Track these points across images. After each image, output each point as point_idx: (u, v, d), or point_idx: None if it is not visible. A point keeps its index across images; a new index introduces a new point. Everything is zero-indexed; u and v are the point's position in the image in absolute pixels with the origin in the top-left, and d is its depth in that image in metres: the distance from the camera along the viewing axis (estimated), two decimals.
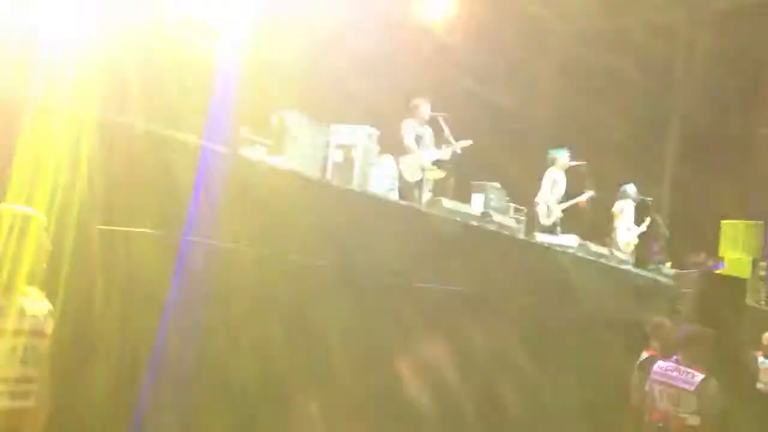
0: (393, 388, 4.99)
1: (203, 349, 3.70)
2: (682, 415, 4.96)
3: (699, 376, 4.95)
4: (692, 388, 4.91)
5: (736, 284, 9.12)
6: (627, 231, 11.80)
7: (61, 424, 3.00)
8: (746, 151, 15.52)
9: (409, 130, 8.45)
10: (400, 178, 8.65)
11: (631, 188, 11.83)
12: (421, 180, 8.64)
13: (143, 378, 3.55)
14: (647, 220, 12.01)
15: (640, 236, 12.16)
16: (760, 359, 7.45)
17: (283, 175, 5.20)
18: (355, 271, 4.96)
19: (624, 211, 11.79)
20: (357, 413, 4.82)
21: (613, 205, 11.94)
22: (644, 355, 6.14)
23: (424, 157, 8.62)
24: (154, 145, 4.12)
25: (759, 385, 7.44)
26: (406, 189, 8.54)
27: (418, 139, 8.57)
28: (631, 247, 11.40)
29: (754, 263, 13.07)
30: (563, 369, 6.43)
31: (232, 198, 4.47)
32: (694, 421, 4.91)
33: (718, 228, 14.68)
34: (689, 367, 5.04)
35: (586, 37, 16.14)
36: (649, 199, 11.90)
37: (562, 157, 10.59)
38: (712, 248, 14.76)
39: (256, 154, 7.81)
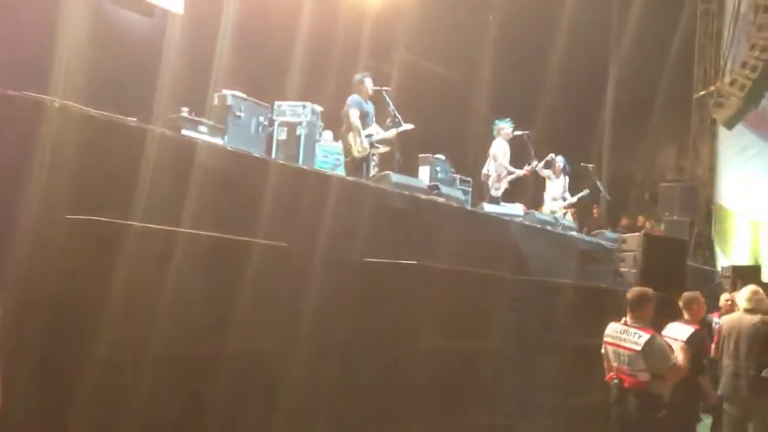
0: (352, 365, 4.97)
1: (158, 335, 3.61)
2: (634, 373, 5.13)
3: (645, 336, 5.10)
4: (639, 348, 5.08)
5: (677, 246, 9.37)
6: (553, 201, 11.95)
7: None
8: (681, 116, 15.95)
9: (354, 106, 8.35)
10: (347, 153, 8.56)
11: (560, 159, 11.92)
12: (368, 155, 8.56)
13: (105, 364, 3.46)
14: (584, 191, 12.14)
15: (577, 204, 12.30)
16: (715, 320, 7.68)
17: (227, 155, 5.07)
18: (306, 250, 4.90)
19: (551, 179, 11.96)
20: (316, 396, 4.80)
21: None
22: None
23: (370, 132, 8.55)
24: (90, 128, 3.96)
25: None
26: (352, 165, 8.46)
27: (364, 114, 8.48)
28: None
29: (692, 224, 13.49)
30: (516, 338, 6.53)
31: (175, 181, 4.34)
32: (644, 377, 5.09)
33: (657, 191, 15.11)
34: (636, 327, 5.20)
35: (524, 7, 16.24)
36: (590, 165, 12.10)
37: (506, 128, 10.64)
38: (652, 211, 15.21)
39: (198, 134, 7.67)
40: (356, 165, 8.47)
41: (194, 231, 3.91)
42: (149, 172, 4.09)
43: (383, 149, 9.93)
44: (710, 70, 15.29)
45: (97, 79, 7.21)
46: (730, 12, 14.97)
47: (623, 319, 5.37)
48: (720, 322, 6.86)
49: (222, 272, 3.91)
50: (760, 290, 6.05)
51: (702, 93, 15.19)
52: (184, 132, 7.51)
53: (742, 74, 14.01)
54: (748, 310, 5.89)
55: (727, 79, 14.35)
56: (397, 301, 5.09)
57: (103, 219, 3.51)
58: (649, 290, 5.53)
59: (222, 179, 4.61)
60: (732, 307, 6.99)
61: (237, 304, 3.89)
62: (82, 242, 3.51)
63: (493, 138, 10.86)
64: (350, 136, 8.39)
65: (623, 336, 5.24)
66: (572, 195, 12.07)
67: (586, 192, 12.12)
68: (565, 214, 11.69)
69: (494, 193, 10.59)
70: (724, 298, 7.95)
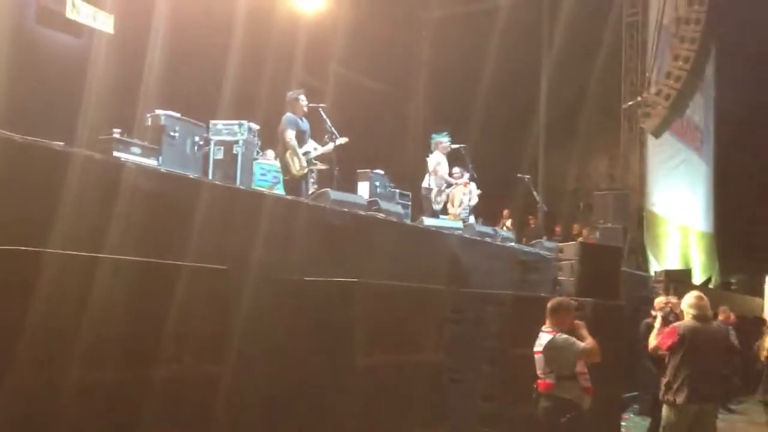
0: (291, 385, 4.92)
1: (80, 365, 3.48)
2: (542, 376, 5.25)
3: (546, 338, 5.22)
4: (541, 350, 5.19)
5: (611, 253, 9.60)
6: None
7: None
8: (611, 126, 16.42)
9: (289, 125, 8.31)
10: (286, 172, 8.52)
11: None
12: (306, 173, 8.53)
13: None
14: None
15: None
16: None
17: (158, 176, 4.98)
18: (246, 272, 4.84)
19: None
20: (248, 419, 4.73)
21: (490, 186, 12.24)
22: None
23: (307, 150, 8.52)
24: (12, 153, 3.84)
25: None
26: (291, 183, 8.42)
27: (300, 133, 8.45)
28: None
29: (625, 231, 13.86)
30: (458, 350, 6.57)
31: (102, 205, 4.23)
32: (550, 379, 5.21)
33: (591, 200, 15.49)
34: (545, 331, 5.31)
35: (456, 23, 16.53)
36: (526, 176, 12.32)
37: (444, 141, 10.76)
38: (587, 219, 15.58)
39: (131, 156, 7.52)
40: (295, 183, 8.43)
41: (121, 257, 3.80)
42: (74, 197, 3.98)
43: (321, 166, 9.92)
44: (637, 81, 15.78)
45: (20, 102, 7.01)
46: (653, 24, 15.51)
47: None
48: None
49: (155, 299, 3.80)
50: (704, 296, 6.18)
51: (630, 103, 15.66)
52: (116, 154, 7.35)
53: (667, 84, 14.50)
54: (695, 317, 5.98)
55: (653, 90, 14.83)
56: (338, 320, 5.06)
57: (22, 249, 3.37)
58: (568, 300, 5.61)
59: (153, 202, 4.52)
60: (670, 308, 7.15)
61: (169, 331, 3.79)
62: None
63: (430, 152, 10.97)
64: (288, 155, 8.35)
65: (536, 342, 5.36)
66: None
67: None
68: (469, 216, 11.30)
69: (435, 206, 10.70)
70: (658, 300, 8.17)
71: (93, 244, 3.90)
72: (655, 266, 14.87)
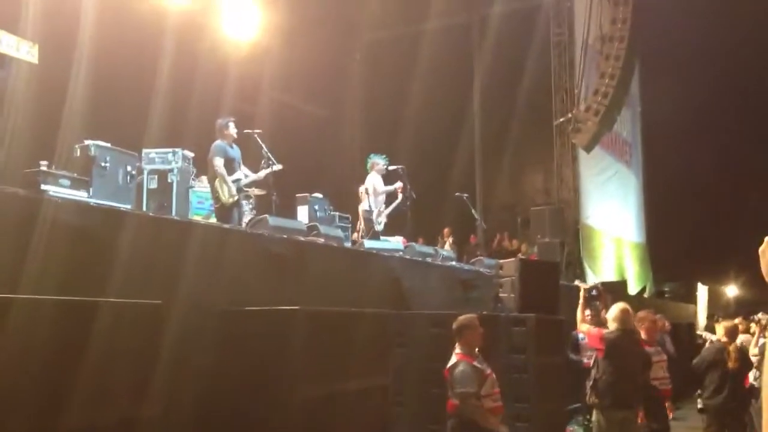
0: (232, 420, 4.80)
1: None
2: (450, 396, 5.37)
3: (452, 361, 5.30)
4: (447, 374, 5.27)
5: (549, 268, 9.77)
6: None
7: None
8: (545, 141, 16.77)
9: (217, 153, 8.26)
10: (216, 200, 8.42)
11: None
12: (238, 200, 8.47)
13: None
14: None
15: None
16: (580, 336, 8.03)
17: (89, 210, 4.83)
18: (181, 305, 4.71)
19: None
20: None
21: (430, 205, 12.33)
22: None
23: (237, 177, 8.48)
24: None
25: (585, 359, 8.00)
26: (222, 211, 8.34)
27: (229, 160, 8.39)
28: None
29: (562, 245, 14.13)
30: (403, 374, 6.54)
31: (28, 244, 4.06)
32: (454, 400, 5.31)
33: (528, 215, 15.75)
34: (454, 353, 5.39)
35: (388, 45, 16.68)
36: (464, 195, 12.43)
37: (380, 162, 10.79)
38: (525, 234, 15.83)
39: (59, 188, 7.27)
40: (226, 211, 8.36)
41: (40, 297, 3.63)
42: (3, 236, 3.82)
43: (258, 191, 9.82)
44: (567, 98, 16.18)
45: None
46: (579, 43, 15.97)
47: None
48: (585, 338, 7.26)
49: (79, 339, 3.62)
50: (628, 308, 6.41)
51: (561, 120, 16.04)
52: (44, 187, 7.08)
53: (595, 101, 14.94)
54: (619, 328, 6.21)
55: (582, 106, 15.24)
56: (280, 349, 4.97)
57: None
58: (472, 318, 5.67)
59: (79, 237, 4.36)
60: (597, 320, 7.33)
61: (93, 373, 3.62)
62: None
63: (367, 173, 10.98)
64: (217, 182, 8.29)
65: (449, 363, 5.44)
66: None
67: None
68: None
69: (377, 227, 10.69)
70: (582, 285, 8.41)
71: (14, 285, 3.73)
72: (593, 278, 15.19)
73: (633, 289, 16.39)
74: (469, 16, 16.53)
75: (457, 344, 5.45)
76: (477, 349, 5.49)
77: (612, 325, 6.29)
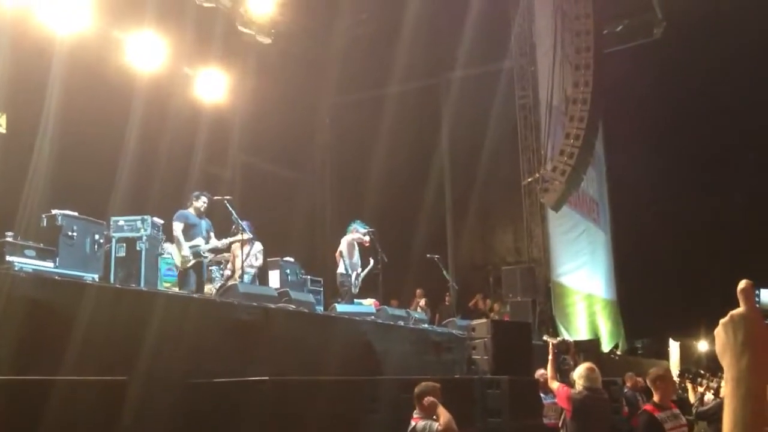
0: None
1: None
2: None
3: (412, 424, 5.26)
4: None
5: (521, 328, 9.80)
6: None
7: None
8: (514, 201, 16.97)
9: (178, 219, 8.52)
10: (175, 264, 8.59)
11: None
12: (196, 264, 8.66)
13: None
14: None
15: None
16: (542, 395, 8.00)
17: (56, 284, 4.76)
18: (151, 380, 4.62)
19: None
20: None
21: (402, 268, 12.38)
22: None
23: (195, 243, 8.69)
24: None
25: (545, 420, 7.95)
26: (181, 275, 8.50)
27: (189, 226, 8.61)
28: None
29: (534, 304, 14.16)
30: None
31: (5, 322, 3.99)
32: None
33: (499, 275, 15.81)
34: (413, 418, 5.35)
35: (355, 107, 16.92)
36: (435, 256, 12.48)
37: (359, 229, 10.91)
38: (497, 294, 15.85)
39: (24, 259, 7.16)
40: (183, 275, 8.57)
41: None
42: None
43: (225, 255, 9.89)
44: (534, 158, 16.48)
45: None
46: (544, 104, 16.37)
47: None
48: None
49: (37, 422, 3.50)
50: (595, 367, 6.40)
51: (529, 180, 16.29)
52: (9, 258, 6.97)
53: (562, 161, 15.22)
54: (587, 387, 6.20)
55: (549, 166, 15.51)
56: (249, 421, 4.88)
57: None
58: (432, 384, 5.64)
59: (39, 310, 4.30)
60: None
61: None
62: None
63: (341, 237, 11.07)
64: (173, 248, 8.48)
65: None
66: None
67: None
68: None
69: (353, 290, 10.73)
70: (539, 373, 8.36)
71: None
72: (567, 337, 15.20)
73: (606, 346, 16.41)
74: (435, 79, 16.91)
75: (418, 409, 5.39)
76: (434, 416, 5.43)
77: (579, 384, 6.26)
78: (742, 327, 1.34)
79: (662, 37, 18.26)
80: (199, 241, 8.64)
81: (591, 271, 18.18)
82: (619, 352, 17.11)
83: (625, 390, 10.19)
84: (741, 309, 1.36)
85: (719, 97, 18.07)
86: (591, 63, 15.52)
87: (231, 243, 8.89)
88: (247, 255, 9.49)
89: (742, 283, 1.37)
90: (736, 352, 1.33)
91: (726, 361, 1.34)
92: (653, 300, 19.41)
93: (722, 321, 1.37)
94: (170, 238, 8.91)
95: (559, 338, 8.26)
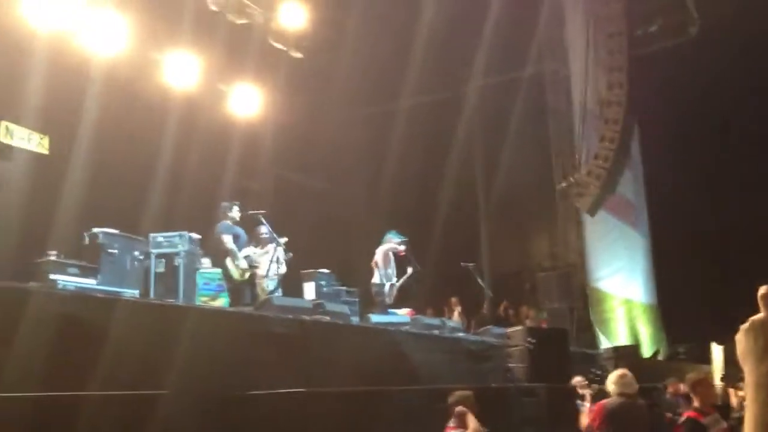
0: None
1: None
2: None
3: None
4: None
5: (558, 335, 9.74)
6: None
7: None
8: (548, 207, 16.88)
9: (225, 231, 8.45)
10: (228, 279, 8.53)
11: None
12: (251, 277, 8.60)
13: None
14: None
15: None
16: (578, 402, 7.94)
17: (97, 301, 4.91)
18: (188, 393, 4.73)
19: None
20: None
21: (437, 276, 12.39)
22: None
23: (247, 254, 8.63)
24: None
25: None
26: (236, 291, 8.45)
27: (235, 238, 8.59)
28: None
29: (571, 310, 14.05)
30: None
31: (41, 338, 4.13)
32: None
33: (535, 281, 15.74)
34: (453, 428, 5.36)
35: (387, 117, 17.01)
36: (470, 264, 12.48)
37: (393, 239, 10.97)
38: (533, 300, 15.77)
39: (68, 277, 7.38)
40: (240, 290, 8.49)
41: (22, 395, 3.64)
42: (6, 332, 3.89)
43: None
44: (567, 163, 16.38)
45: None
46: (578, 108, 16.27)
47: None
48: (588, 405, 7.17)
49: None
50: (628, 373, 6.30)
51: (563, 185, 16.19)
52: (53, 276, 7.19)
53: (596, 164, 15.11)
54: (620, 394, 6.10)
55: (584, 170, 15.41)
56: None
57: None
58: (462, 393, 5.65)
59: (82, 328, 4.43)
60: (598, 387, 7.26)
61: None
62: None
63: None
64: (228, 261, 8.42)
65: None
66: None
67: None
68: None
69: (388, 300, 10.79)
70: (576, 380, 8.29)
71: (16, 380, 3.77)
72: (606, 343, 15.04)
73: (647, 352, 16.17)
74: (463, 87, 16.91)
75: (453, 419, 5.43)
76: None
77: (612, 391, 6.17)
78: (762, 333, 1.36)
79: (698, 36, 17.98)
80: (248, 250, 8.70)
81: (629, 276, 17.91)
82: (660, 358, 16.84)
83: (667, 396, 10.06)
84: (762, 315, 1.38)
85: (759, 94, 17.73)
86: (625, 65, 15.40)
87: (264, 254, 8.90)
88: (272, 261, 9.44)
89: (763, 289, 1.40)
90: (757, 357, 1.35)
91: (747, 367, 1.37)
92: (695, 304, 19.05)
93: (743, 327, 1.40)
94: (218, 252, 8.83)
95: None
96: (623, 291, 17.10)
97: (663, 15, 18.23)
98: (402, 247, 10.96)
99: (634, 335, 16.66)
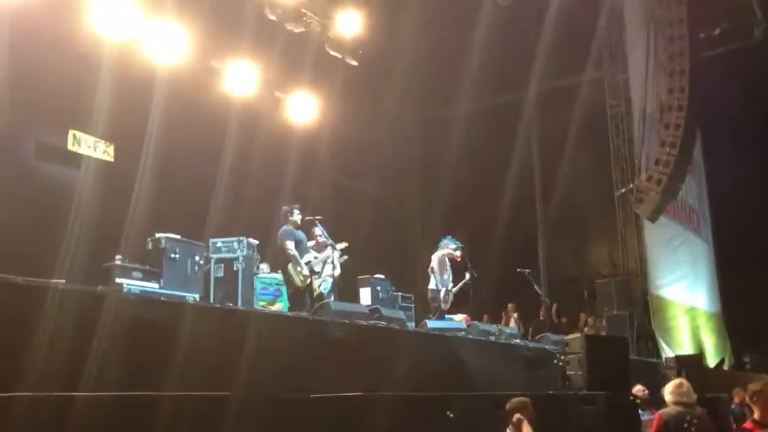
0: None
1: None
2: None
3: None
4: None
5: (618, 343, 9.54)
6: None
7: None
8: (607, 213, 16.58)
9: (287, 237, 8.51)
10: (290, 285, 8.63)
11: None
12: (311, 283, 8.67)
13: None
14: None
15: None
16: (640, 411, 7.79)
17: (161, 304, 5.04)
18: (249, 395, 4.81)
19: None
20: None
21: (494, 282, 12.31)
22: None
23: (308, 259, 8.68)
24: (7, 294, 3.90)
25: None
26: (296, 296, 8.53)
27: (297, 242, 8.65)
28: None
29: (631, 318, 13.76)
30: None
31: (86, 339, 4.26)
32: None
33: (593, 288, 15.45)
34: None
35: (445, 123, 16.99)
36: (527, 270, 12.35)
37: (449, 244, 10.95)
38: (592, 308, 15.49)
39: (131, 280, 7.61)
40: (300, 296, 8.55)
41: (98, 394, 3.76)
42: (73, 333, 4.03)
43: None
44: (627, 168, 16.07)
45: (24, 236, 7.16)
46: (637, 113, 15.95)
47: None
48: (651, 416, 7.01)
49: None
50: (685, 382, 6.15)
51: (623, 190, 15.89)
52: (118, 280, 7.43)
53: (657, 170, 14.77)
54: (677, 403, 5.97)
55: (643, 176, 15.08)
56: None
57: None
58: (520, 400, 5.59)
59: (147, 331, 4.55)
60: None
61: None
62: None
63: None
64: (290, 267, 8.50)
65: None
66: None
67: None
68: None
69: (444, 306, 10.77)
70: (636, 389, 8.13)
71: (70, 383, 3.87)
72: (668, 352, 14.68)
73: (711, 361, 15.71)
74: (521, 92, 16.74)
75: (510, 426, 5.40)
76: None
77: (668, 401, 6.03)
78: None
79: (763, 39, 17.44)
80: (309, 256, 8.78)
81: (692, 283, 17.45)
82: (725, 367, 16.34)
83: (733, 406, 9.77)
84: None
85: None
86: (686, 68, 15.03)
87: (323, 261, 8.94)
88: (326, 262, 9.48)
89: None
90: None
91: None
92: (761, 312, 18.45)
93: None
94: (281, 258, 8.88)
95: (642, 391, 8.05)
96: (686, 299, 16.65)
97: (727, 18, 17.73)
98: (458, 253, 10.93)
99: (698, 344, 16.20)
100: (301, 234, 8.79)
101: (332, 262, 9.05)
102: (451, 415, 6.01)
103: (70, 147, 9.63)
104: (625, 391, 8.33)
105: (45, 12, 8.90)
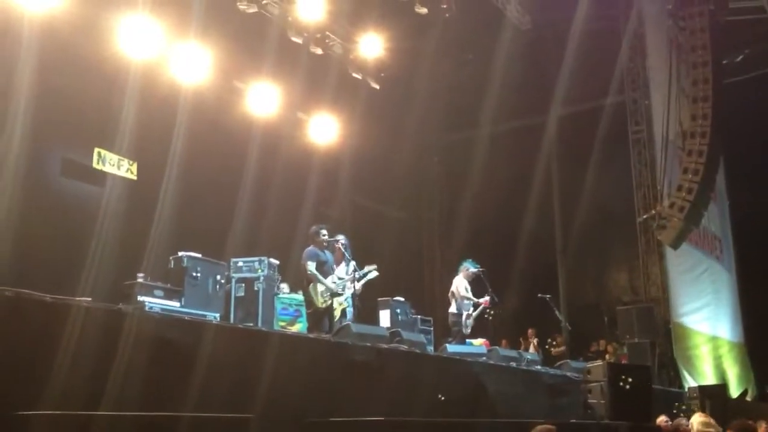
0: None
1: None
2: None
3: None
4: None
5: (640, 372, 9.39)
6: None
7: None
8: (629, 239, 16.42)
9: (310, 258, 8.53)
10: (309, 305, 8.62)
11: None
12: (331, 305, 8.64)
13: None
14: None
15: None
16: None
17: (182, 323, 5.02)
18: (273, 417, 4.77)
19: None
20: None
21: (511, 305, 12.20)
22: None
23: (334, 279, 8.71)
24: (32, 311, 3.90)
25: None
26: (314, 317, 8.51)
27: (321, 263, 8.65)
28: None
29: (653, 345, 13.56)
30: None
31: (125, 357, 4.25)
32: None
33: (615, 314, 15.26)
34: None
35: (465, 145, 16.96)
36: (547, 296, 12.24)
37: (469, 267, 10.90)
38: (612, 335, 15.29)
39: (153, 299, 7.61)
40: (318, 316, 8.54)
41: (118, 413, 3.73)
42: (96, 351, 4.01)
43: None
44: (649, 195, 15.93)
45: (47, 254, 7.19)
46: (659, 139, 15.84)
47: None
48: None
49: None
50: (711, 420, 6.00)
51: (645, 217, 15.73)
52: (140, 298, 7.44)
53: (679, 197, 14.62)
54: None
55: (666, 203, 14.93)
56: None
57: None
58: (544, 428, 5.46)
59: (169, 350, 4.53)
60: None
61: None
62: None
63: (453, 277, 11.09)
64: (311, 287, 8.51)
65: None
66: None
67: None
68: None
69: (465, 330, 10.70)
70: (660, 419, 7.95)
71: (90, 401, 3.85)
72: (691, 382, 14.44)
73: (734, 392, 15.41)
74: (541, 116, 16.70)
75: None
76: None
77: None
78: None
79: None
80: (332, 278, 8.76)
81: (715, 312, 17.19)
82: (748, 398, 16.03)
83: None
84: None
85: None
86: (710, 95, 14.92)
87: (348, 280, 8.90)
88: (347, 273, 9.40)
89: None
90: None
91: None
92: None
93: None
94: (303, 278, 8.85)
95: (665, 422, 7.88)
96: (709, 328, 16.41)
97: (750, 44, 17.66)
98: (475, 271, 10.88)
99: (720, 374, 15.92)
100: (326, 255, 8.79)
101: (353, 276, 8.99)
102: None
103: (95, 165, 9.71)
104: (648, 422, 8.19)
105: (73, 33, 9.04)
